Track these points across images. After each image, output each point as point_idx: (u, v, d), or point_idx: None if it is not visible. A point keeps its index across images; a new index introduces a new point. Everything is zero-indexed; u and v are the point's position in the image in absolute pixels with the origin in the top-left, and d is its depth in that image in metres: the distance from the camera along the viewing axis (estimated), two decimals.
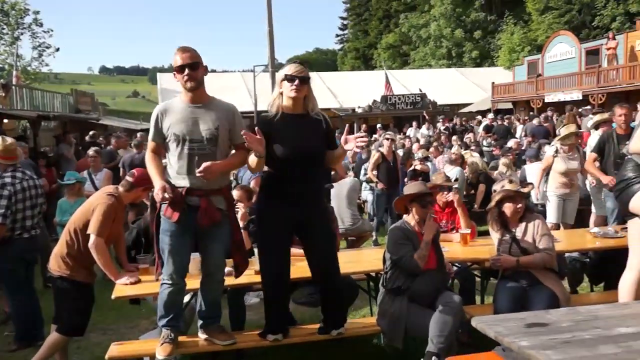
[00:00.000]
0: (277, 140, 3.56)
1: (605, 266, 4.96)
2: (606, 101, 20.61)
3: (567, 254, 5.31)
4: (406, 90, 29.63)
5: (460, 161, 9.19)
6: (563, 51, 26.02)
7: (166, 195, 3.34)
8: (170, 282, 3.52)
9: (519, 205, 4.22)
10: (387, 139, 9.05)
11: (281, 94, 3.64)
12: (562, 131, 7.29)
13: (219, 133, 3.49)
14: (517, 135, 15.82)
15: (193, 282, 3.76)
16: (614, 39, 22.41)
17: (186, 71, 3.42)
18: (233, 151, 3.66)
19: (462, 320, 3.67)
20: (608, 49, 22.41)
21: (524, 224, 4.21)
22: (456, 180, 6.45)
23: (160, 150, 3.60)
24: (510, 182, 4.38)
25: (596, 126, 8.13)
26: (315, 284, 3.92)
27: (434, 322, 3.55)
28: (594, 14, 31.53)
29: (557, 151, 6.99)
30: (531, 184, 5.72)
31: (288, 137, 3.54)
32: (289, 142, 3.54)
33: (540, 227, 4.17)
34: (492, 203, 4.31)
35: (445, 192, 5.33)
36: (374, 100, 27.47)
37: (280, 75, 3.65)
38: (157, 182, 3.43)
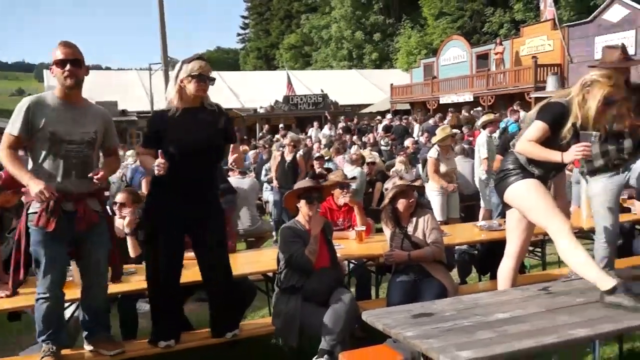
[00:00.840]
0: (174, 134, 3.48)
1: (491, 257, 5.25)
2: (495, 103, 21.94)
3: (457, 247, 5.58)
4: (308, 91, 29.94)
5: (360, 161, 9.37)
6: (456, 55, 27.38)
7: (53, 196, 3.11)
8: (47, 294, 3.27)
9: (412, 200, 4.36)
10: (291, 141, 9.07)
11: (180, 88, 3.53)
12: (438, 133, 7.62)
13: (97, 137, 3.37)
14: (415, 134, 16.42)
15: (77, 291, 3.56)
16: (501, 44, 23.89)
17: (68, 66, 3.22)
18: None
19: (356, 315, 3.73)
20: (496, 53, 23.85)
21: (414, 219, 4.36)
22: (353, 178, 6.56)
23: (21, 146, 3.31)
24: (401, 178, 4.52)
25: (484, 126, 8.64)
26: (206, 286, 3.83)
27: (326, 320, 3.58)
28: (484, 20, 33.38)
29: (439, 154, 7.31)
30: (421, 179, 5.93)
31: (186, 130, 3.47)
32: (186, 134, 3.46)
33: (430, 221, 4.33)
34: (386, 200, 4.42)
35: (344, 190, 5.42)
36: (276, 101, 27.53)
37: (185, 71, 3.51)
38: (36, 182, 3.12)
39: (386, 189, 4.61)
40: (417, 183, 4.61)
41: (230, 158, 3.76)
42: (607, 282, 2.83)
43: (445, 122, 15.59)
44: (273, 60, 54.69)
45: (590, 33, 19.72)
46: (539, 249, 5.77)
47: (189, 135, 3.46)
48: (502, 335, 2.42)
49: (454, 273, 5.60)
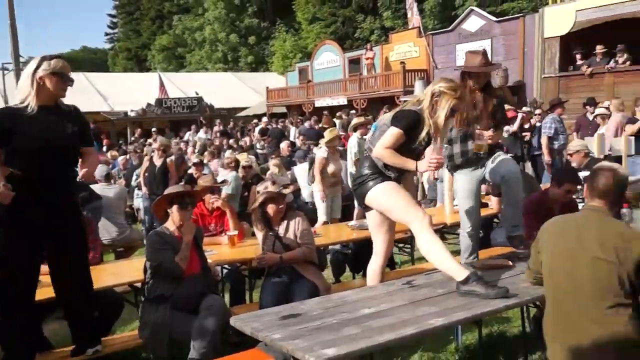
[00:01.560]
0: (27, 130, 3.24)
1: (364, 255, 5.40)
2: (367, 106, 22.77)
3: (331, 247, 5.68)
4: (182, 94, 29.14)
5: (234, 165, 9.24)
6: (329, 59, 28.01)
7: None
8: None
9: (281, 206, 4.37)
10: (160, 145, 8.76)
11: (38, 85, 3.30)
12: (327, 134, 7.79)
13: None
14: (291, 137, 16.57)
15: None
16: (371, 50, 24.83)
17: None
18: None
19: (227, 321, 3.65)
20: (367, 59, 24.75)
21: (285, 221, 4.37)
22: (224, 182, 6.47)
23: None
24: (274, 183, 4.51)
25: (355, 128, 8.91)
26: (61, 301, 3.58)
27: (196, 327, 3.48)
28: (355, 26, 34.54)
29: (328, 153, 7.45)
30: (293, 184, 5.98)
31: (40, 127, 3.26)
32: (40, 132, 3.26)
33: (301, 223, 4.37)
34: (256, 204, 4.40)
35: (215, 195, 5.31)
36: (148, 104, 26.45)
37: (46, 68, 3.31)
38: None
39: (258, 192, 4.58)
40: (288, 190, 4.61)
41: (80, 172, 3.53)
42: (461, 273, 3.02)
43: (320, 125, 15.92)
44: (145, 62, 52.60)
45: (452, 41, 21.09)
46: (408, 245, 6.04)
47: (42, 133, 3.28)
48: (366, 330, 2.49)
49: (329, 272, 5.71)
